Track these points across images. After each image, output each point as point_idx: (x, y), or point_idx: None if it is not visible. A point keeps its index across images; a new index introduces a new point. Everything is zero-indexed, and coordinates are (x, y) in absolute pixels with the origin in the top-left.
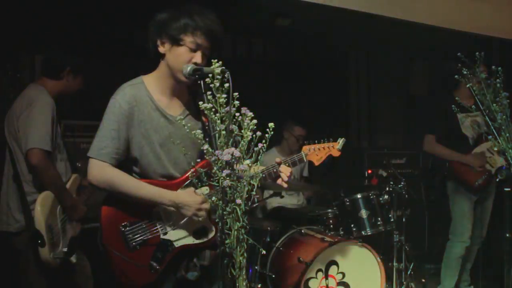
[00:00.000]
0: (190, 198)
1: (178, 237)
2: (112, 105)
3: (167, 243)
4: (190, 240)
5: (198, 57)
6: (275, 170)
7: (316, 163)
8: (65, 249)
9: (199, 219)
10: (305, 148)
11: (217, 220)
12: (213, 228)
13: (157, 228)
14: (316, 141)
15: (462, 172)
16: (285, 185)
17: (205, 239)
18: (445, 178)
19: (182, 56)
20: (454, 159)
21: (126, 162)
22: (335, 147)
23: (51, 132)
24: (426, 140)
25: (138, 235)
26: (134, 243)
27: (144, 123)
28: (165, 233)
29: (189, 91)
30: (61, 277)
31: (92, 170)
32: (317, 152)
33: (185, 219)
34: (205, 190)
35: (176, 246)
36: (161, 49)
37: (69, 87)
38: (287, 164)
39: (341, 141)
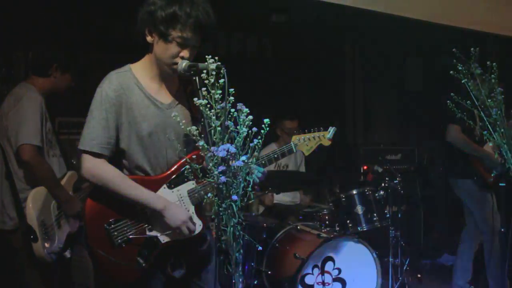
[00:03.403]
0: (180, 212)
1: (164, 233)
2: (98, 94)
3: (153, 239)
4: (176, 236)
5: (186, 53)
6: (275, 156)
7: (306, 153)
8: (61, 245)
9: (179, 235)
10: (295, 138)
11: (213, 217)
12: (200, 223)
13: (143, 225)
14: (306, 130)
15: (479, 168)
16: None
17: (192, 234)
18: (463, 176)
19: (170, 50)
20: (478, 154)
21: (115, 153)
22: (326, 136)
23: (40, 127)
24: (451, 130)
25: (123, 233)
26: (119, 241)
27: (132, 111)
28: (151, 230)
29: (180, 78)
30: (58, 273)
31: (86, 164)
32: (307, 142)
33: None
34: (191, 184)
35: (162, 242)
36: (149, 39)
37: (58, 84)
38: (276, 155)
39: (331, 130)
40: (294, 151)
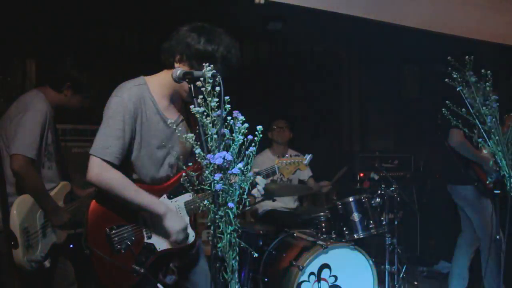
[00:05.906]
0: (179, 220)
1: (161, 241)
2: (118, 104)
3: (150, 247)
4: (172, 244)
5: None
6: (263, 175)
7: (286, 176)
8: (43, 254)
9: (174, 243)
10: (278, 162)
11: (209, 224)
12: (194, 233)
13: (142, 232)
14: (287, 155)
15: (480, 174)
16: (259, 196)
17: (186, 243)
18: (463, 182)
19: None
20: (478, 160)
21: (123, 163)
22: (303, 162)
23: (38, 140)
24: (454, 134)
25: (123, 239)
26: (119, 246)
27: (145, 125)
28: (149, 237)
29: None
30: (38, 281)
31: (94, 168)
32: (287, 166)
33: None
34: (188, 196)
35: (159, 250)
36: (177, 65)
37: (68, 102)
38: (262, 176)
39: (308, 157)
40: (277, 172)
